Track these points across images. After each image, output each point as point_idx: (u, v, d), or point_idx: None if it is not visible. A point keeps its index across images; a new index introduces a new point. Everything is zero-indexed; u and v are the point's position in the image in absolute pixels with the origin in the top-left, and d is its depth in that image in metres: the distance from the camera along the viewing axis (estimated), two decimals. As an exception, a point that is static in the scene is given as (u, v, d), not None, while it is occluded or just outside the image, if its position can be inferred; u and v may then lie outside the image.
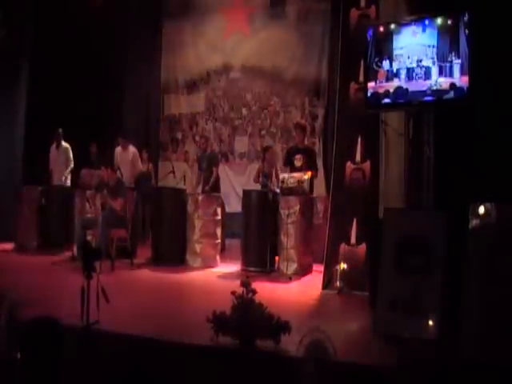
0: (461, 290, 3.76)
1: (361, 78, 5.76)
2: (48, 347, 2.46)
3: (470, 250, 3.76)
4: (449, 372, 3.41)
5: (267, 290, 5.22)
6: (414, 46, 5.01)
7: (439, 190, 5.00)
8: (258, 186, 8.02)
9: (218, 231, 7.49)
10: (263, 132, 10.70)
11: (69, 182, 9.32)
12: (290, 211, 6.72)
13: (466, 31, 4.68)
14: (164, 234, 7.47)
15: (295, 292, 5.97)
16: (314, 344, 3.11)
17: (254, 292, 3.77)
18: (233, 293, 3.79)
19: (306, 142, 8.01)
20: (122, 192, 7.39)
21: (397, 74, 5.09)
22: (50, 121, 9.10)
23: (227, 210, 8.71)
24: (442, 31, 4.85)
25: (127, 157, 8.75)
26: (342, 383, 3.13)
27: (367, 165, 5.81)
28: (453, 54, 4.77)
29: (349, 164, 5.89)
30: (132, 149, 8.89)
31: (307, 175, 6.92)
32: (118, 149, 8.85)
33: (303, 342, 3.17)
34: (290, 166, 7.34)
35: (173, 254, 7.36)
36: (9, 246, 8.48)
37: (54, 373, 2.44)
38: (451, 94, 4.77)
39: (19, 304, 3.80)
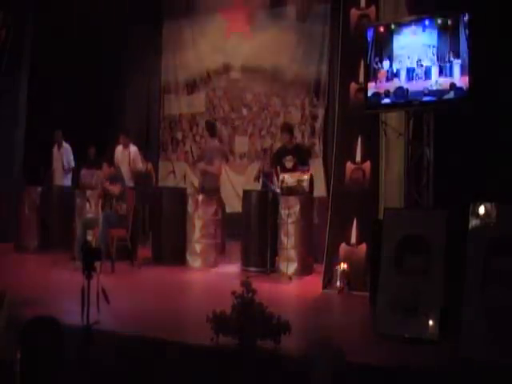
0: (461, 290, 3.76)
1: (361, 79, 5.75)
2: (47, 347, 2.45)
3: (470, 250, 3.76)
4: (449, 372, 3.41)
5: (267, 290, 5.21)
6: (414, 46, 5.01)
7: (439, 190, 5.00)
8: (258, 186, 8.02)
9: (218, 231, 7.49)
10: (263, 132, 10.69)
11: (69, 183, 9.33)
12: (290, 211, 6.72)
13: (466, 31, 4.68)
14: (164, 234, 7.48)
15: (295, 292, 5.97)
16: (323, 347, 3.10)
17: (254, 292, 3.76)
18: (233, 293, 3.79)
19: (294, 142, 7.98)
20: (121, 180, 7.41)
21: (397, 74, 5.09)
22: (50, 121, 9.10)
23: (227, 210, 8.70)
24: (442, 31, 4.86)
25: (127, 156, 8.75)
26: (341, 383, 3.12)
27: (367, 165, 5.81)
28: (453, 54, 4.77)
29: (349, 164, 5.89)
30: (132, 148, 8.88)
31: (307, 175, 6.93)
32: (119, 148, 8.84)
33: (312, 345, 3.16)
34: (280, 167, 7.32)
35: (173, 254, 7.36)
36: (9, 246, 8.48)
37: (54, 372, 2.44)
38: (451, 94, 4.78)
39: (20, 304, 3.80)
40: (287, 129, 7.68)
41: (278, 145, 10.13)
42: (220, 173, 8.01)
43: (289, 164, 7.26)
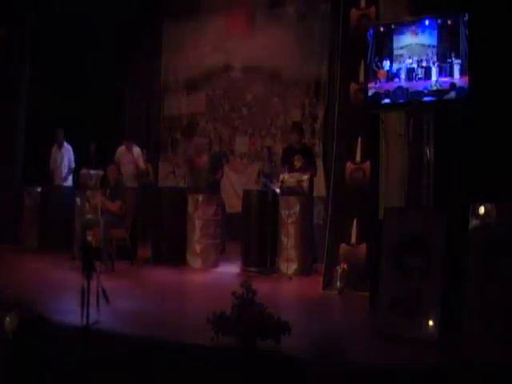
0: (461, 290, 3.76)
1: (361, 79, 5.75)
2: (38, 346, 2.44)
3: (470, 250, 3.76)
4: (449, 372, 3.41)
5: (267, 291, 5.21)
6: (414, 46, 5.01)
7: (439, 190, 5.01)
8: (258, 186, 8.02)
9: (218, 231, 7.49)
10: (263, 132, 10.68)
11: (70, 182, 9.33)
12: (290, 211, 6.72)
13: (466, 31, 4.68)
14: (164, 234, 7.47)
15: (295, 292, 5.97)
16: (325, 345, 3.10)
17: (254, 292, 3.77)
18: (233, 293, 3.79)
19: (303, 142, 7.96)
20: (121, 194, 7.36)
21: (397, 75, 5.09)
22: (50, 121, 9.10)
23: (227, 210, 8.70)
24: (442, 31, 4.86)
25: (131, 157, 8.76)
26: (342, 383, 3.13)
27: (367, 165, 5.81)
28: (453, 54, 4.77)
29: (349, 164, 5.89)
30: (136, 149, 8.90)
31: (307, 175, 6.93)
32: (122, 148, 8.84)
33: (315, 344, 3.16)
34: (288, 166, 7.31)
35: (173, 254, 7.35)
36: (9, 246, 8.48)
37: (47, 371, 2.43)
38: (451, 94, 4.78)
39: (31, 306, 3.79)
40: (297, 128, 7.69)
41: (278, 145, 10.15)
42: (205, 165, 7.99)
43: (297, 163, 7.20)
